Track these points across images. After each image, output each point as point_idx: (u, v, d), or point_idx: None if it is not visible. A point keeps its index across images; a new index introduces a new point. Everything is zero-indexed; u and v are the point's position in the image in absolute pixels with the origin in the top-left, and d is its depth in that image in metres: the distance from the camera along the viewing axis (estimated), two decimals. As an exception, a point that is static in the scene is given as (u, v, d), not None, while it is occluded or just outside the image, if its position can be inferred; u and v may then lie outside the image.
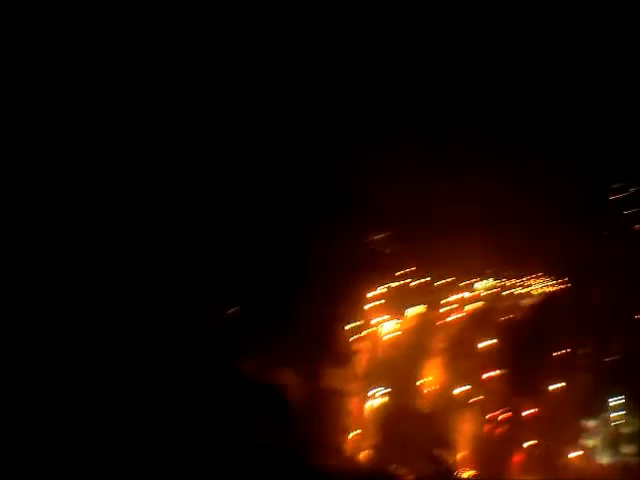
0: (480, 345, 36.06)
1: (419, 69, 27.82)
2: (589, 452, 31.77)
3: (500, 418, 33.78)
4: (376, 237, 36.45)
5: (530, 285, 41.23)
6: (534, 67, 28.56)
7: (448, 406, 33.96)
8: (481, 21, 27.91)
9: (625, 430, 31.59)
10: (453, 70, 28.40)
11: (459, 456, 32.09)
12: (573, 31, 27.96)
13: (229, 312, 32.72)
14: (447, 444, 32.24)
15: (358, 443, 31.46)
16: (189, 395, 23.92)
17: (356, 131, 29.21)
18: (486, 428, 33.50)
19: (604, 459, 31.45)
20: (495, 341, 35.64)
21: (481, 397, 34.36)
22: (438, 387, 35.20)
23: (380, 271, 37.21)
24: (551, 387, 33.14)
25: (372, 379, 34.04)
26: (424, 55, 28.15)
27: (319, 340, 34.13)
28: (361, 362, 34.86)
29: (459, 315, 40.17)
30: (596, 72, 28.23)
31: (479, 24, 27.81)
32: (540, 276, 39.05)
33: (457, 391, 34.84)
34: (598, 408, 32.16)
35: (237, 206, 29.64)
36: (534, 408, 33.12)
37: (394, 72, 27.85)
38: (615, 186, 31.86)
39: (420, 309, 40.13)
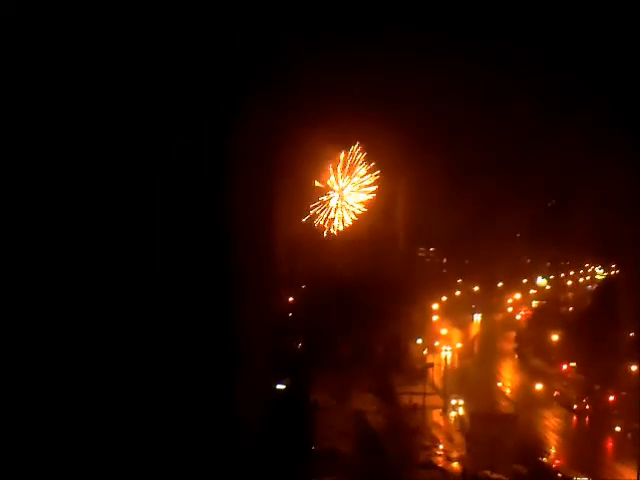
0: (553, 338, 36.42)
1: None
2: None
3: (586, 408, 33.76)
4: (429, 252, 36.74)
5: (592, 272, 41.33)
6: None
7: (531, 404, 33.84)
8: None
9: None
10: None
11: (551, 452, 31.77)
12: None
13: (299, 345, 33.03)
14: (536, 442, 31.89)
15: (447, 455, 31.33)
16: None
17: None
18: (574, 420, 33.60)
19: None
20: (567, 332, 36.00)
21: (562, 390, 34.51)
22: (517, 387, 35.89)
23: (440, 283, 37.48)
24: (632, 368, 32.89)
25: (451, 390, 34.14)
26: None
27: (393, 360, 34.33)
28: (437, 375, 35.16)
29: (526, 313, 40.56)
30: None
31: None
32: (599, 261, 39.14)
33: (537, 388, 35.04)
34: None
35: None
36: (617, 392, 32.84)
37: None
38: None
39: (486, 313, 40.46)
